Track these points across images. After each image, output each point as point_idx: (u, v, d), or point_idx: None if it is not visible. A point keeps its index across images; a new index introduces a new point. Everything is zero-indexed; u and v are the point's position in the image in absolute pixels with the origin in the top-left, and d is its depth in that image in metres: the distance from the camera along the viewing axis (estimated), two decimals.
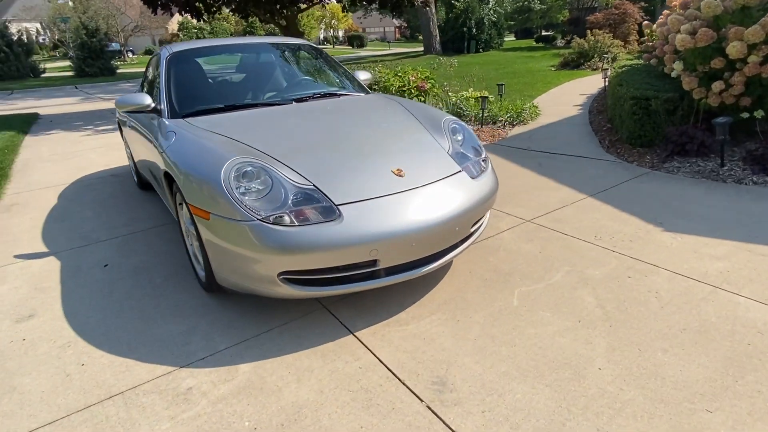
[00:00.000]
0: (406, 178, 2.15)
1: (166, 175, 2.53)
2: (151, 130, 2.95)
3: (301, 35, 13.17)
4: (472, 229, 2.32)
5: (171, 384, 1.89)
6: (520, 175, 4.26)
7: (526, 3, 43.10)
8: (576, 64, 13.30)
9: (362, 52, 35.36)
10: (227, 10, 10.77)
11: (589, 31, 13.62)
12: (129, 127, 3.67)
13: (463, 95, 7.16)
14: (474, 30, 28.49)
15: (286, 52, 3.55)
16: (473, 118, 6.53)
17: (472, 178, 2.34)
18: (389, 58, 24.32)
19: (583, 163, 4.52)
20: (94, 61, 21.42)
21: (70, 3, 37.53)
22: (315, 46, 3.75)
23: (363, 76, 3.73)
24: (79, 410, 1.77)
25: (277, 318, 2.26)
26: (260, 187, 2.02)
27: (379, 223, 1.93)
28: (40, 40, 37.44)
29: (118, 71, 23.10)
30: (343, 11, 12.20)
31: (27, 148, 6.80)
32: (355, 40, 48.99)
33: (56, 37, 37.59)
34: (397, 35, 73.26)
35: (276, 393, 1.81)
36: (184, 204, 2.32)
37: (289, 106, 2.86)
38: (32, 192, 4.57)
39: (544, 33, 44.51)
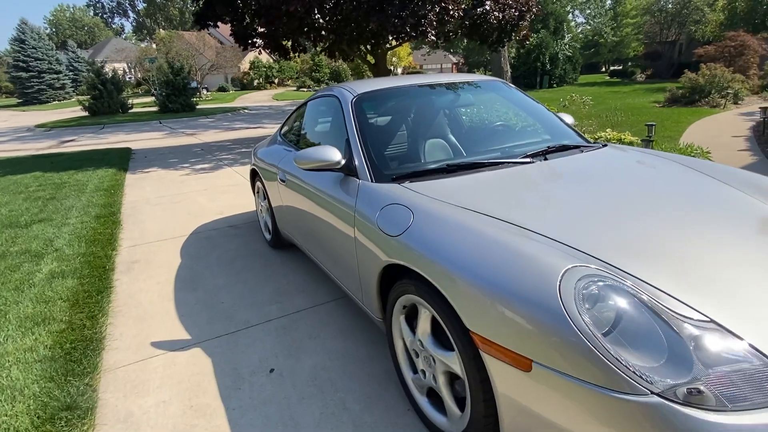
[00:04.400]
0: None
1: (388, 268, 1.79)
2: (334, 193, 2.24)
3: (389, 72, 12.81)
4: None
5: None
6: None
7: (595, 37, 41.93)
8: (689, 100, 12.02)
9: None
10: (316, 50, 10.55)
11: (703, 65, 12.34)
12: (281, 181, 3.03)
13: (601, 137, 6.21)
14: (548, 65, 27.70)
15: (484, 92, 2.80)
16: None
17: None
18: None
19: None
20: (176, 97, 22.36)
21: (154, 46, 40.47)
22: (507, 82, 3.00)
23: (569, 120, 2.92)
24: None
25: None
26: (614, 319, 1.18)
27: None
28: (126, 79, 40.41)
29: (197, 107, 24.03)
30: (433, 47, 11.55)
31: (130, 187, 6.51)
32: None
33: (140, 75, 40.45)
34: (454, 71, 73.69)
35: None
36: (439, 320, 1.53)
37: (531, 166, 2.06)
38: (149, 245, 4.04)
39: (612, 68, 42.80)
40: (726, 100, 11.32)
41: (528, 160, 2.12)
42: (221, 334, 2.54)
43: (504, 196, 1.73)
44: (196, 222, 4.67)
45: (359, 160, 2.16)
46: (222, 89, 42.07)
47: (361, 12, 8.53)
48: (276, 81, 46.33)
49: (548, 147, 2.28)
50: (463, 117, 2.74)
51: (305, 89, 41.25)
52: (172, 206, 5.34)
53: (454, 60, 68.83)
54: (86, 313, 2.75)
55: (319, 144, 2.87)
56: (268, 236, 3.78)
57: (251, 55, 42.56)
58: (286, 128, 3.57)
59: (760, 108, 7.31)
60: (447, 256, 1.45)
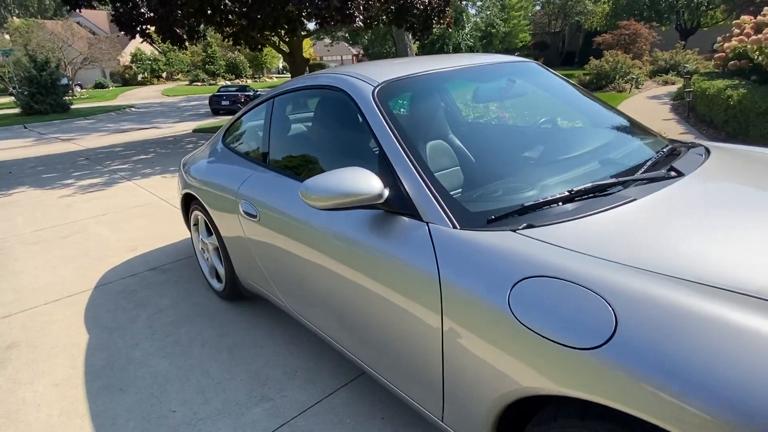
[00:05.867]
0: None
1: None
2: (377, 244, 1.38)
3: (307, 62, 11.71)
4: None
5: None
6: None
7: (488, 28, 43.96)
8: (597, 86, 12.60)
9: None
10: (219, 37, 9.17)
11: (606, 52, 13.00)
12: (246, 215, 2.04)
13: None
14: None
15: (533, 77, 2.07)
16: None
17: None
18: None
19: None
20: (44, 96, 18.95)
21: (7, 36, 34.29)
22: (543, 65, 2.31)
23: None
24: None
25: None
26: None
27: None
28: None
29: (72, 107, 20.62)
30: (355, 35, 10.61)
31: None
32: (315, 68, 48.19)
33: None
34: (354, 63, 72.92)
35: None
36: None
37: (683, 186, 1.36)
38: (33, 314, 2.78)
39: None
40: (630, 85, 12.05)
41: (661, 173, 1.45)
42: None
43: (740, 256, 0.99)
44: (100, 267, 3.42)
45: (418, 190, 1.33)
46: (100, 86, 37.16)
47: None
48: (164, 75, 42.04)
49: (658, 152, 1.64)
50: (535, 115, 2.01)
51: (199, 83, 37.96)
52: (60, 244, 3.97)
53: (354, 51, 68.23)
54: None
55: (317, 162, 1.96)
56: (217, 285, 2.75)
57: (132, 46, 37.97)
58: (235, 136, 2.56)
59: (686, 91, 7.61)
60: None
